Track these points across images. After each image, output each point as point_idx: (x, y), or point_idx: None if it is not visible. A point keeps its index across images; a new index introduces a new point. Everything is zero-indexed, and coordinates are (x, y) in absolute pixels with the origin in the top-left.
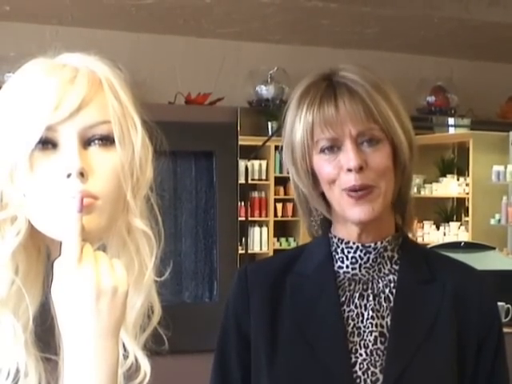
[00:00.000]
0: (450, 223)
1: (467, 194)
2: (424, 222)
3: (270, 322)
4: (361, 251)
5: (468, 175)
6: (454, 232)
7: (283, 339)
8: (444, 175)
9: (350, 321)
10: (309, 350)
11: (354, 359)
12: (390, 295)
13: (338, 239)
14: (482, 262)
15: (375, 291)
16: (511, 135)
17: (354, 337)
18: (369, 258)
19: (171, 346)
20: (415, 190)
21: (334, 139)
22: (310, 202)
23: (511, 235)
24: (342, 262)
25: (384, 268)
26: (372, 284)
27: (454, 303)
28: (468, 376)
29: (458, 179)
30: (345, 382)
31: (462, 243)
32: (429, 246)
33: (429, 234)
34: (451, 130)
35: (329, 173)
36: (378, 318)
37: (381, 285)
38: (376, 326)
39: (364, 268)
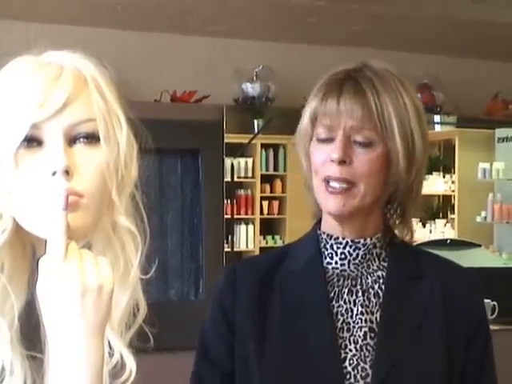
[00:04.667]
0: (436, 220)
1: (453, 191)
2: None
3: (258, 319)
4: (350, 247)
5: (454, 173)
6: (440, 229)
7: (272, 336)
8: (430, 173)
9: (339, 316)
10: (298, 346)
11: (343, 355)
12: (379, 291)
13: (327, 235)
14: (467, 259)
15: (364, 287)
16: (497, 132)
17: (343, 332)
18: (358, 254)
19: (157, 343)
20: None
21: (330, 129)
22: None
23: (497, 232)
24: (331, 258)
25: (373, 264)
26: (361, 280)
27: (442, 301)
28: (457, 372)
29: (443, 177)
30: (334, 377)
31: (448, 240)
32: (415, 244)
33: (415, 232)
34: (437, 128)
35: (317, 160)
36: (368, 314)
37: (370, 280)
38: (365, 322)
39: (353, 264)
